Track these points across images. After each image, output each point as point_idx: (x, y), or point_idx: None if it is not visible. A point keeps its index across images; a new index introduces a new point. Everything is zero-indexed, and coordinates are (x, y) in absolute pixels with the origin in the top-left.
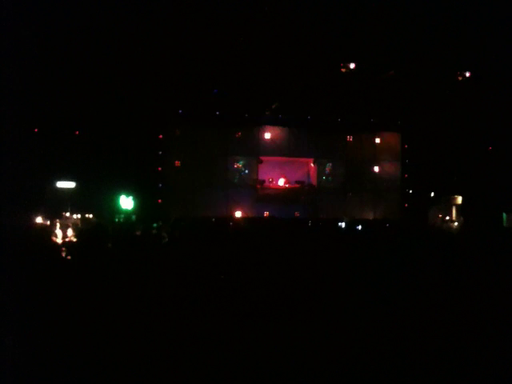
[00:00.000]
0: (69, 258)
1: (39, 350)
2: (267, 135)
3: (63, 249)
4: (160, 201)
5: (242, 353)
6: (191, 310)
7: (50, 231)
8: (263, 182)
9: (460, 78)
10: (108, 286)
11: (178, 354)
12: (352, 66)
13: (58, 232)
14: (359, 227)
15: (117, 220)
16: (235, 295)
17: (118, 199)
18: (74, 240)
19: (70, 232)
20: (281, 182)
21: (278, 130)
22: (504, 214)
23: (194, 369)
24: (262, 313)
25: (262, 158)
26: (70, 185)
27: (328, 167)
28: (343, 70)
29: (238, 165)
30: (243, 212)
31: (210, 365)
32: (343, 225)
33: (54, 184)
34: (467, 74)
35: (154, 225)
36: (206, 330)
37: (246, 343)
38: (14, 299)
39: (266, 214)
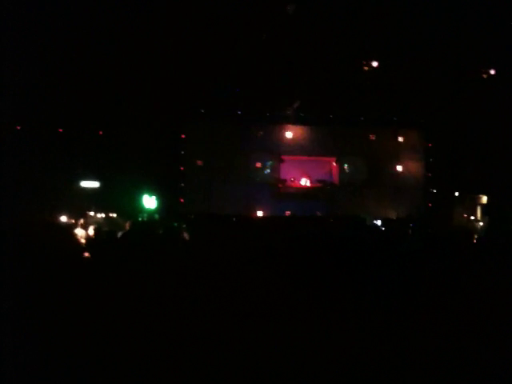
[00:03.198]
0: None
1: (39, 349)
2: (289, 134)
3: (83, 248)
4: (182, 200)
5: (242, 353)
6: (191, 310)
7: (71, 230)
8: (285, 181)
9: (485, 76)
10: (110, 285)
11: (177, 354)
12: (375, 63)
13: (80, 231)
14: (378, 222)
15: (140, 219)
16: (235, 295)
17: (141, 198)
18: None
19: (92, 231)
20: (303, 181)
21: (299, 129)
22: None
23: (194, 369)
24: (262, 313)
25: (284, 156)
26: (94, 184)
27: (350, 165)
28: (366, 67)
29: (260, 164)
30: (264, 211)
31: (209, 365)
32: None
33: (78, 183)
34: (492, 72)
35: (175, 224)
36: (206, 330)
37: (246, 343)
38: (22, 297)
39: (288, 213)
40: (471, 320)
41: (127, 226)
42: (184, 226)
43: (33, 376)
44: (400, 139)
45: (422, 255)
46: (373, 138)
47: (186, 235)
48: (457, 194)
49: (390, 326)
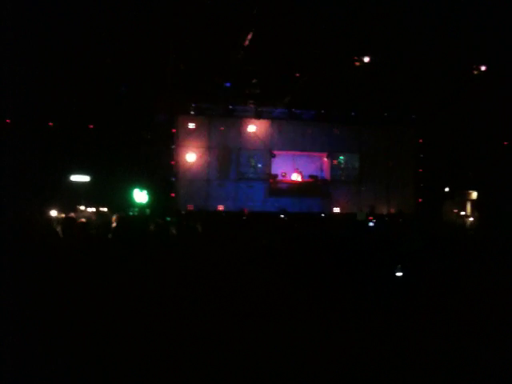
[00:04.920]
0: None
1: (39, 349)
2: (280, 129)
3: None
4: (173, 194)
5: (241, 353)
6: (191, 309)
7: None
8: (276, 176)
9: (475, 72)
10: (110, 285)
11: (178, 354)
12: (366, 59)
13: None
14: (372, 224)
15: (131, 213)
16: (235, 295)
17: (131, 193)
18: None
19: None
20: (294, 176)
21: (291, 124)
22: None
23: (194, 369)
24: (261, 313)
25: (275, 152)
26: (85, 178)
27: (342, 161)
28: (357, 63)
29: (251, 159)
30: (255, 206)
31: (210, 365)
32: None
33: (69, 177)
34: (483, 68)
35: (168, 218)
36: (206, 330)
37: (246, 343)
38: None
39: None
40: (470, 319)
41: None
42: (176, 221)
43: (33, 374)
44: (391, 135)
45: (420, 255)
46: (364, 133)
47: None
48: (447, 189)
49: (389, 326)
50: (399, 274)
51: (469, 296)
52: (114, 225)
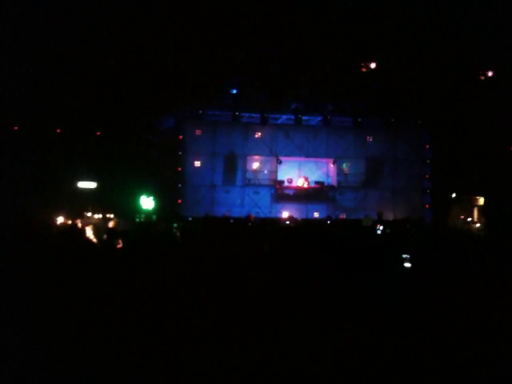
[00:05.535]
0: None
1: (39, 349)
2: (287, 135)
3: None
4: (180, 201)
5: (241, 353)
6: (192, 310)
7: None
8: (282, 182)
9: (482, 78)
10: (111, 285)
11: (178, 353)
12: (373, 65)
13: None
14: (379, 231)
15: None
16: (235, 295)
17: (138, 199)
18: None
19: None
20: (300, 182)
21: (297, 130)
22: None
23: (194, 368)
24: (261, 313)
25: (282, 158)
26: (91, 185)
27: (348, 167)
28: (364, 69)
29: (258, 165)
30: (262, 213)
31: (210, 364)
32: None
33: (76, 184)
34: (490, 74)
35: (174, 225)
36: (206, 330)
37: (245, 343)
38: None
39: (286, 214)
40: (470, 320)
41: (111, 224)
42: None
43: (33, 374)
44: (397, 140)
45: (421, 255)
46: (371, 139)
47: (183, 236)
48: (454, 195)
49: (390, 326)
50: (408, 265)
51: (469, 297)
52: (111, 226)
